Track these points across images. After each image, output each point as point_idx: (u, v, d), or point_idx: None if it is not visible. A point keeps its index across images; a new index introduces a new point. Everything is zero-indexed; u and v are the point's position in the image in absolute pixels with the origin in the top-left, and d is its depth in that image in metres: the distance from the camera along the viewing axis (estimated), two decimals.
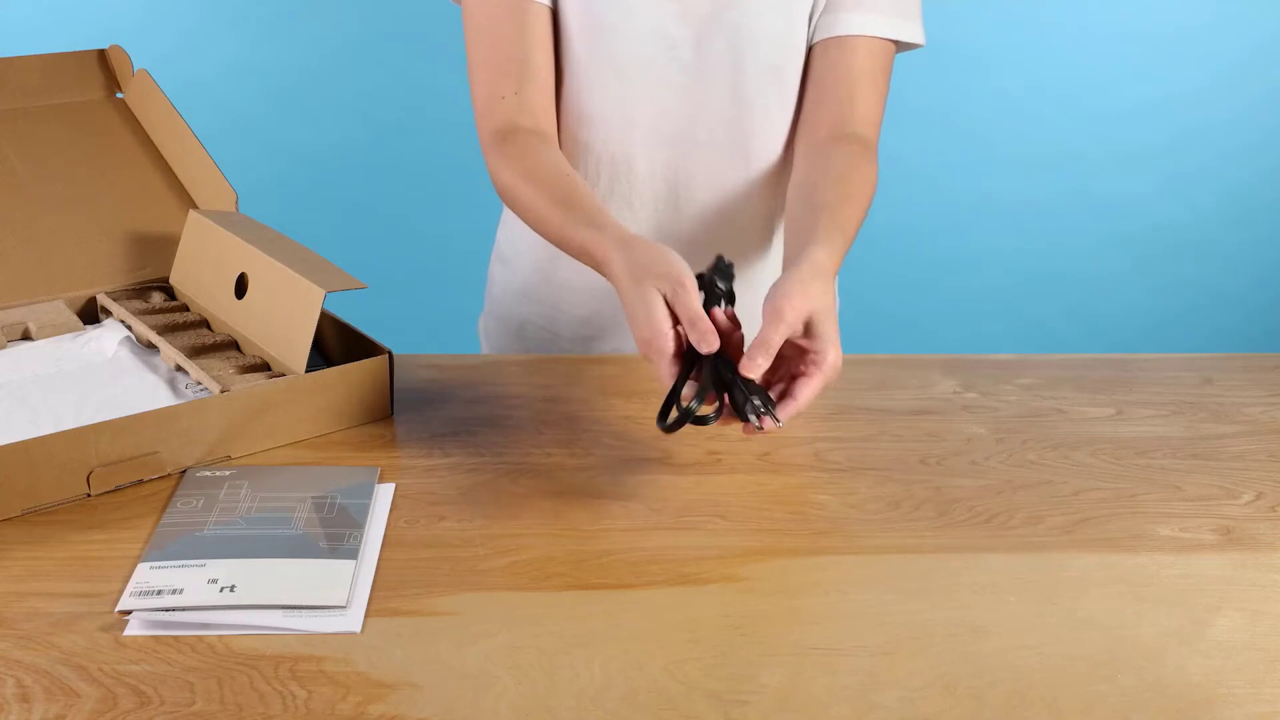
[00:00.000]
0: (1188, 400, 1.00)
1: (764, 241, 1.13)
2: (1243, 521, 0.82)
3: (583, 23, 1.02)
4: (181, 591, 0.70)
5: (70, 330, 0.99)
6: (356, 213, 2.29)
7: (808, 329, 0.79)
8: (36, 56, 1.12)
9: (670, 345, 0.78)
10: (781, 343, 0.78)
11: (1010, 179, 2.35)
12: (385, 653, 0.66)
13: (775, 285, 0.80)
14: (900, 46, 1.05)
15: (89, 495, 0.80)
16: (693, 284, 0.80)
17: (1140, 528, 0.80)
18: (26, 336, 0.98)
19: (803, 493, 0.84)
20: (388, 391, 0.92)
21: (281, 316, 0.91)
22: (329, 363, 0.96)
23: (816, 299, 0.79)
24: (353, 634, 0.67)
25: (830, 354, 0.79)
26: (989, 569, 0.75)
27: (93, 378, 0.91)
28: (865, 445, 0.90)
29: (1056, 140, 2.32)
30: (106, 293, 1.03)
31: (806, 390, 0.78)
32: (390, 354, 0.91)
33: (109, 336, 0.97)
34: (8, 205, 1.04)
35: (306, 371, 0.88)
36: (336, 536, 0.76)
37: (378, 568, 0.73)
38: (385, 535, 0.77)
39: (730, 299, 0.82)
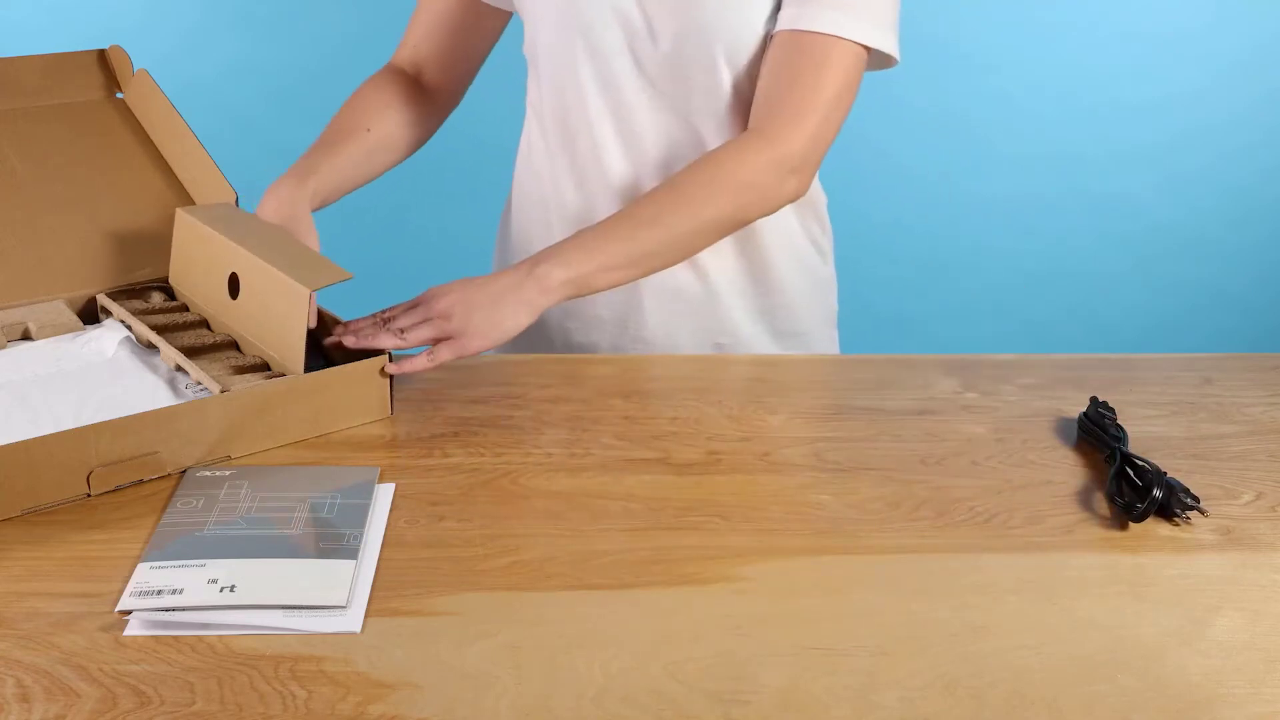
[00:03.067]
0: (1188, 400, 0.99)
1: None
2: (1243, 521, 0.82)
3: (557, 8, 1.04)
4: (181, 591, 0.70)
5: (70, 330, 0.99)
6: (356, 213, 2.28)
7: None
8: (36, 56, 1.12)
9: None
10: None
11: (1010, 179, 2.35)
12: (385, 653, 0.66)
13: None
14: (874, 61, 1.01)
15: (89, 495, 0.80)
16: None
17: (1140, 528, 0.80)
18: (26, 336, 0.98)
19: (803, 493, 0.84)
20: (388, 391, 0.92)
21: (274, 317, 0.91)
22: (329, 363, 0.95)
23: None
24: (353, 634, 0.67)
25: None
26: (989, 569, 0.75)
27: (93, 378, 0.91)
28: (865, 445, 0.90)
29: (1056, 140, 2.32)
30: (106, 293, 1.03)
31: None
32: (390, 354, 0.91)
33: (109, 336, 0.97)
34: (8, 205, 1.04)
35: (306, 372, 0.88)
36: (336, 536, 0.76)
37: (378, 568, 0.73)
38: (385, 535, 0.77)
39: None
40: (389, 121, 1.12)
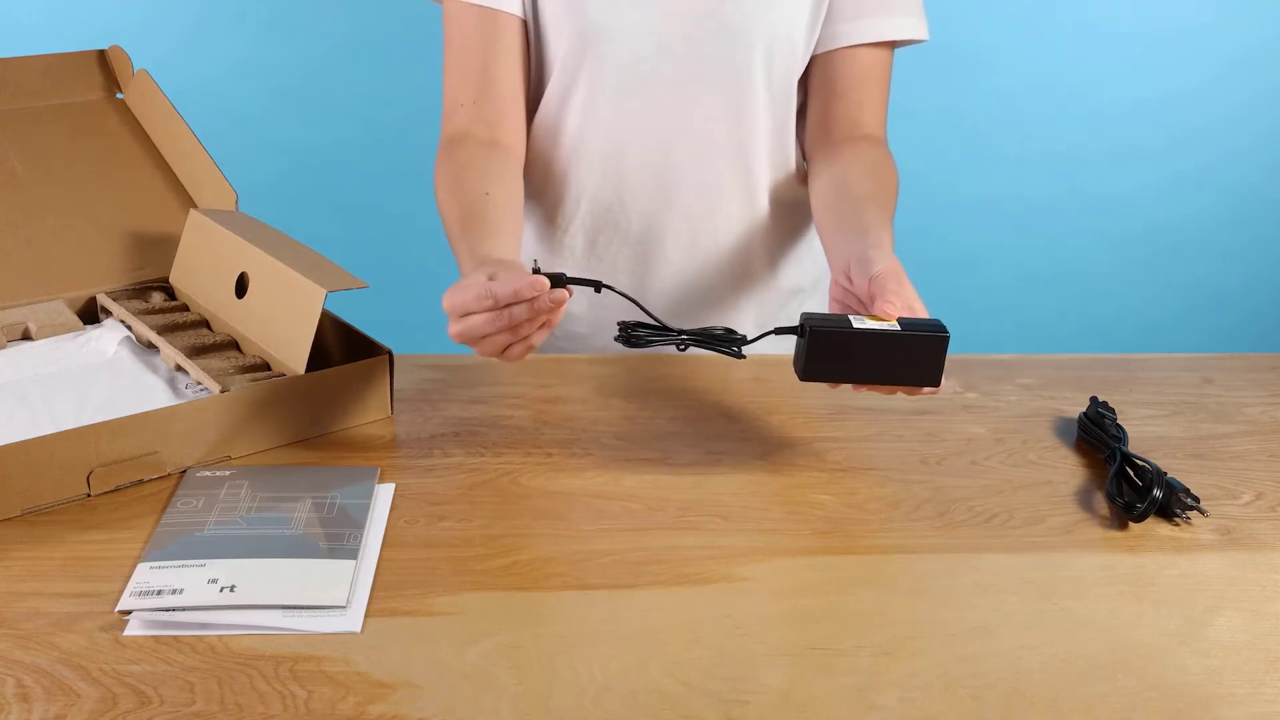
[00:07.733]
0: (1188, 400, 1.00)
1: (748, 236, 1.13)
2: (1243, 521, 0.82)
3: (574, 24, 1.02)
4: (181, 591, 0.70)
5: (70, 330, 0.99)
6: (356, 213, 2.29)
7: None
8: (37, 56, 1.12)
9: (469, 300, 0.77)
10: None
11: (1008, 178, 2.35)
12: (385, 653, 0.66)
13: (872, 267, 0.87)
14: (902, 42, 1.07)
15: (89, 495, 0.80)
16: (522, 269, 0.80)
17: (1140, 528, 0.80)
18: (26, 336, 0.98)
19: (803, 493, 0.84)
20: (388, 391, 0.92)
21: (282, 316, 0.91)
22: (329, 363, 0.95)
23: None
24: (353, 634, 0.67)
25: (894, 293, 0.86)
26: (989, 569, 0.75)
27: (93, 378, 0.91)
28: (865, 445, 0.90)
29: (1055, 139, 2.32)
30: (106, 293, 1.03)
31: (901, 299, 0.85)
32: (390, 354, 0.91)
33: (109, 336, 0.97)
34: (8, 205, 1.04)
35: (306, 371, 0.88)
36: (336, 536, 0.76)
37: (378, 568, 0.73)
38: (385, 535, 0.77)
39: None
40: (493, 178, 1.00)
